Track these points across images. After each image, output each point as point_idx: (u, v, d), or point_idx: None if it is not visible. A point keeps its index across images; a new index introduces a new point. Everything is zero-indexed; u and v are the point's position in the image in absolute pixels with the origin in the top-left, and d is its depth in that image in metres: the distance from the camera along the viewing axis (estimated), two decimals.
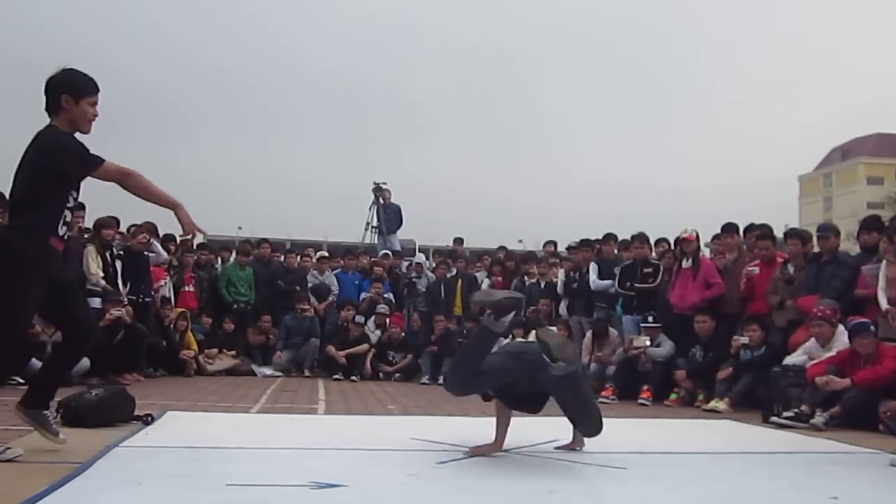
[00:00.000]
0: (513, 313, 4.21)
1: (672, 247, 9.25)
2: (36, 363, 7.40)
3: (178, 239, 9.60)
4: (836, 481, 3.80)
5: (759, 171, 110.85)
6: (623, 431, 5.14)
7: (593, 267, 9.82)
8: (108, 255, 8.83)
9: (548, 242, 12.82)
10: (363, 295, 11.64)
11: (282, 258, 12.32)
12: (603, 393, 8.14)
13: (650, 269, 9.08)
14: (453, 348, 10.71)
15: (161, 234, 10.12)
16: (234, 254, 12.07)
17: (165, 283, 10.21)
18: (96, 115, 3.82)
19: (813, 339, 6.73)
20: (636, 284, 9.07)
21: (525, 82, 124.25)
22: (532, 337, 10.38)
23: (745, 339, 7.58)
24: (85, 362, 6.77)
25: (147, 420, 4.97)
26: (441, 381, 8.69)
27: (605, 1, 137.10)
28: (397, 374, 10.44)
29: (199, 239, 8.44)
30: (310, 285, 11.67)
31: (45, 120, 3.79)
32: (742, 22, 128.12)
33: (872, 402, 5.88)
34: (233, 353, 10.62)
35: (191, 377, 9.67)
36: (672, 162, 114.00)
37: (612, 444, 4.38)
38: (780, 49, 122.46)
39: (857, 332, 6.17)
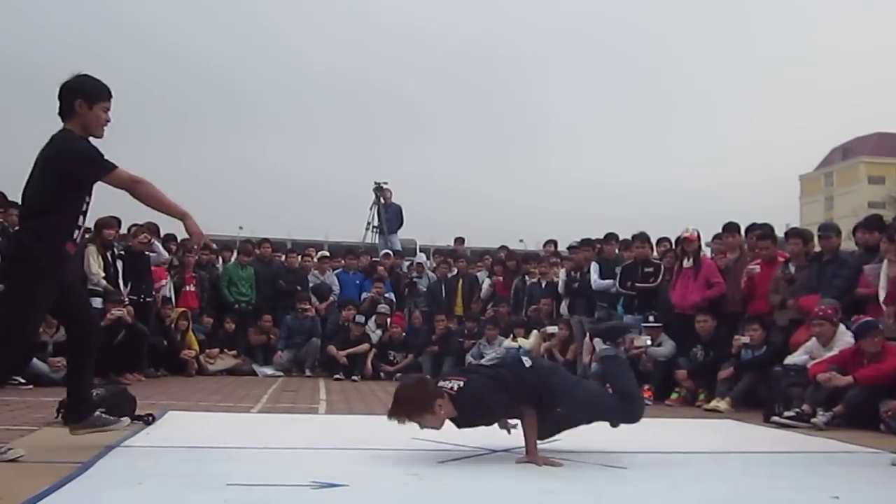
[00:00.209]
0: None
1: (673, 246, 9.25)
2: (37, 363, 7.44)
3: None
4: (837, 481, 3.80)
5: (760, 170, 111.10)
6: (623, 431, 5.13)
7: (594, 266, 9.82)
8: (109, 254, 8.83)
9: (549, 242, 12.81)
10: (364, 295, 11.65)
11: (283, 258, 12.34)
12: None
13: (651, 269, 9.08)
14: (454, 348, 10.75)
15: (162, 234, 10.13)
16: (235, 253, 12.09)
17: (167, 283, 10.21)
18: (109, 120, 3.89)
19: (814, 339, 6.73)
20: (637, 284, 9.07)
21: (525, 82, 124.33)
22: (532, 337, 10.45)
23: (746, 339, 7.58)
24: None
25: (148, 420, 4.97)
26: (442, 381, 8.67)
27: (606, 1, 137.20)
28: (398, 374, 10.42)
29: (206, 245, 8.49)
30: (311, 285, 11.67)
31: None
32: (743, 22, 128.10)
33: (874, 401, 5.88)
34: (234, 352, 10.63)
35: (192, 377, 9.68)
36: (673, 161, 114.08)
37: (612, 444, 4.37)
38: (781, 49, 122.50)
39: (866, 330, 6.14)
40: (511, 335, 10.19)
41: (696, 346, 8.12)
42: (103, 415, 4.03)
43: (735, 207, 54.47)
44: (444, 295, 11.77)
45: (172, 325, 9.95)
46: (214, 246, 11.22)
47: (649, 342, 8.38)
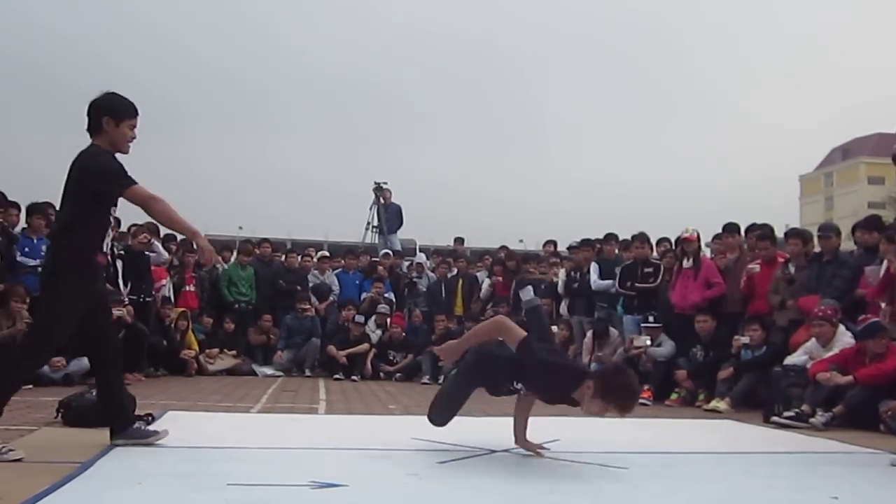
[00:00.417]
0: None
1: (673, 246, 9.26)
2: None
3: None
4: (837, 481, 3.80)
5: (759, 170, 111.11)
6: (623, 431, 5.13)
7: (594, 267, 9.82)
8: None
9: (548, 242, 12.81)
10: (364, 295, 11.65)
11: (283, 258, 12.32)
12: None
13: (651, 269, 9.09)
14: None
15: (162, 234, 10.13)
16: (235, 253, 12.09)
17: (166, 283, 10.21)
18: (135, 137, 4.02)
19: (814, 339, 6.73)
20: (637, 284, 9.07)
21: (525, 82, 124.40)
22: None
23: (745, 339, 7.58)
24: (85, 362, 6.78)
25: (148, 420, 4.95)
26: (441, 380, 8.66)
27: (606, 1, 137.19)
28: (398, 374, 10.44)
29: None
30: (311, 285, 11.67)
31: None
32: (743, 21, 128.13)
33: (874, 402, 5.88)
34: (234, 352, 10.62)
35: (192, 377, 9.67)
36: (672, 161, 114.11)
37: (612, 444, 4.38)
38: (781, 49, 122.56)
39: (874, 332, 6.11)
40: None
41: (695, 347, 8.12)
42: (143, 427, 4.16)
43: (735, 207, 54.50)
44: (443, 295, 11.76)
45: (172, 325, 9.95)
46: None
47: (649, 342, 8.39)
